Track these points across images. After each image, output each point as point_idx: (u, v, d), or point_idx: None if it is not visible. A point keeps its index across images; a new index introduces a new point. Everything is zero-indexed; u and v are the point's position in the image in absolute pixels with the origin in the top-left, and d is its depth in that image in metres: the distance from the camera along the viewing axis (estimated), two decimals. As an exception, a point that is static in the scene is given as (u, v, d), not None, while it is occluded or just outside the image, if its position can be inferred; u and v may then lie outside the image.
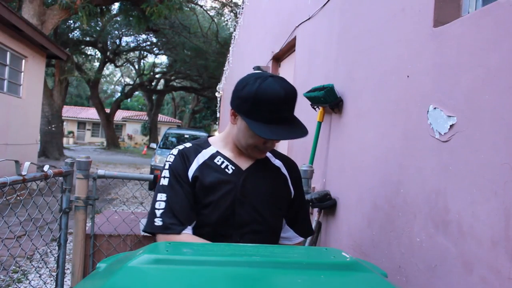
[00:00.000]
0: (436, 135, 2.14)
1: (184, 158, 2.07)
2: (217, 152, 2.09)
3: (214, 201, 1.97)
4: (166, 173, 2.04)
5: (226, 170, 2.04)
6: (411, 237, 2.31)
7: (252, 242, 1.94)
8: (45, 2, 17.43)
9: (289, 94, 1.91)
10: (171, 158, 2.08)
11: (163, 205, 1.96)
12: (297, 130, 1.97)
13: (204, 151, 2.10)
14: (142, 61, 45.93)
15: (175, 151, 2.11)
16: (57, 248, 3.33)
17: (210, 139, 2.19)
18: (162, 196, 1.98)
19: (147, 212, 4.04)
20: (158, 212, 1.95)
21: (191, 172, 2.03)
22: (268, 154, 2.20)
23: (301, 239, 2.25)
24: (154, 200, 2.00)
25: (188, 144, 2.16)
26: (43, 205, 3.12)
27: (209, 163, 2.04)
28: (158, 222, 1.93)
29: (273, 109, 1.88)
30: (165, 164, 2.08)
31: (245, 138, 2.00)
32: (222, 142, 2.14)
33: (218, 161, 2.06)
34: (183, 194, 1.98)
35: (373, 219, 2.82)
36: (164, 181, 2.02)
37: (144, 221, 3.77)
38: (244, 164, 2.09)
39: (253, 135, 1.96)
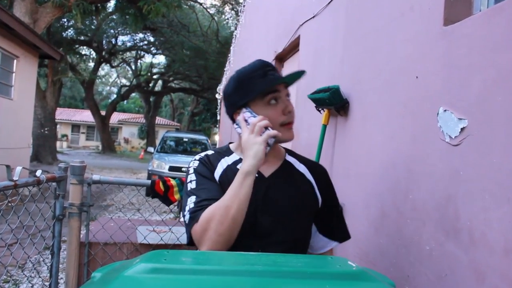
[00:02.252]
0: (446, 138, 2.14)
1: (208, 163, 2.09)
2: (240, 158, 2.07)
3: None
4: (192, 176, 2.03)
5: None
6: (420, 245, 2.31)
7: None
8: (38, 0, 17.44)
9: (265, 61, 2.11)
10: (195, 164, 2.09)
11: (193, 202, 1.93)
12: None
13: (227, 157, 2.12)
14: (139, 61, 46.09)
15: (197, 157, 2.14)
16: (50, 256, 3.34)
17: (232, 146, 2.21)
18: (191, 199, 1.94)
19: (144, 219, 4.05)
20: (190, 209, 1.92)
21: (216, 175, 2.04)
22: (292, 160, 2.20)
23: (334, 244, 2.22)
24: (184, 207, 1.97)
25: (209, 152, 2.19)
26: (36, 211, 3.12)
27: (233, 168, 2.03)
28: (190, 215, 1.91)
29: (261, 73, 2.02)
30: (188, 170, 2.09)
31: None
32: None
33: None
34: (215, 186, 1.98)
35: (380, 226, 2.82)
36: (192, 184, 2.00)
37: (141, 228, 3.77)
38: (267, 171, 2.09)
39: (265, 111, 2.00)
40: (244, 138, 1.92)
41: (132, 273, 1.26)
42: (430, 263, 2.21)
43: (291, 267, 1.42)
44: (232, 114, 2.10)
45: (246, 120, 1.98)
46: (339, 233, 2.25)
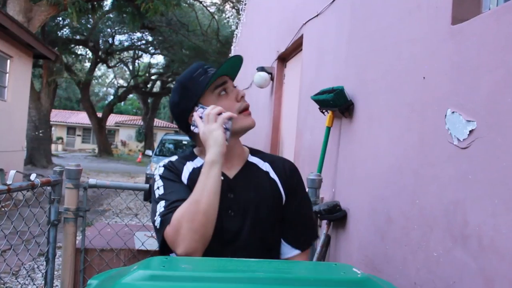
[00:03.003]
0: (455, 141, 2.14)
1: (174, 167, 2.10)
2: None
3: None
4: (158, 183, 2.03)
5: None
6: (428, 252, 2.30)
7: (247, 258, 1.93)
8: (32, -2, 17.47)
9: (201, 62, 2.21)
10: (160, 170, 2.09)
11: (163, 207, 1.91)
12: None
13: (191, 162, 2.14)
14: (136, 61, 46.11)
15: (161, 164, 2.15)
16: (45, 263, 3.34)
17: (195, 150, 2.22)
18: (161, 204, 1.92)
19: (142, 224, 4.05)
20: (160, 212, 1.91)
21: (184, 179, 2.05)
22: (255, 159, 2.19)
23: (296, 252, 2.11)
24: (154, 214, 1.95)
25: (173, 158, 2.20)
26: (30, 217, 3.13)
27: (198, 172, 1.99)
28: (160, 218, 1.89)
29: (201, 71, 2.09)
30: (154, 178, 2.08)
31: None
32: None
33: None
34: (183, 188, 1.98)
35: (386, 232, 2.82)
36: (159, 190, 2.00)
37: (138, 234, 3.77)
38: (231, 173, 2.09)
39: (218, 101, 2.06)
40: (201, 131, 1.95)
41: (130, 280, 1.26)
42: (437, 270, 2.21)
43: (294, 273, 1.42)
44: (186, 121, 2.12)
45: (201, 117, 2.00)
46: (298, 237, 2.13)
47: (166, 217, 1.85)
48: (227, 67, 2.10)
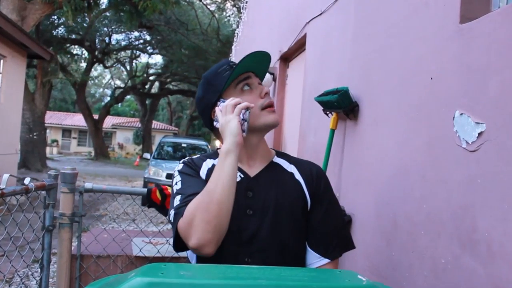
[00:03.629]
0: (463, 144, 2.14)
1: (192, 163, 2.13)
2: None
3: None
4: (177, 178, 2.06)
5: None
6: (435, 258, 2.30)
7: (263, 262, 1.91)
8: (26, -4, 17.49)
9: (228, 59, 2.22)
10: (179, 166, 2.13)
11: (179, 200, 1.94)
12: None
13: (212, 159, 2.16)
14: (134, 61, 46.13)
15: (181, 161, 2.17)
16: (39, 270, 3.34)
17: (220, 150, 2.22)
18: (177, 198, 1.95)
19: (139, 230, 4.05)
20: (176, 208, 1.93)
21: (202, 175, 2.08)
22: (281, 160, 2.19)
23: (325, 261, 2.07)
24: (170, 208, 1.98)
25: (195, 156, 2.23)
26: (24, 222, 3.13)
27: None
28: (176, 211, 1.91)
29: (226, 67, 2.11)
30: (174, 174, 2.12)
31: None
32: None
33: None
34: (201, 182, 1.98)
35: (392, 237, 2.82)
36: (177, 186, 2.02)
37: (136, 240, 3.78)
38: (252, 171, 2.10)
39: (240, 97, 2.04)
40: (220, 123, 1.98)
41: None
42: (445, 277, 2.21)
43: (296, 281, 1.42)
44: (210, 116, 2.15)
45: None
46: (326, 246, 2.10)
47: (180, 210, 1.87)
48: (250, 62, 2.09)
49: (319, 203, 2.12)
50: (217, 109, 2.04)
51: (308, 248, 2.10)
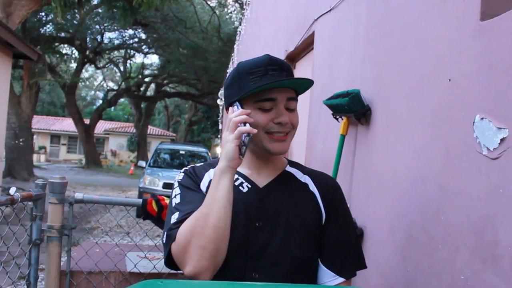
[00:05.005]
0: (484, 151, 2.14)
1: (194, 174, 2.13)
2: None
3: None
4: (176, 190, 2.07)
5: (241, 188, 2.07)
6: (454, 275, 2.30)
7: (271, 278, 1.92)
8: (12, -9, 17.55)
9: (275, 58, 2.05)
10: (180, 176, 2.14)
11: (175, 219, 1.94)
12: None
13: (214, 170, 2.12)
14: (128, 61, 46.17)
15: (182, 170, 2.18)
16: (25, 287, 3.34)
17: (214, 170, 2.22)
18: (174, 216, 1.95)
19: (134, 244, 4.05)
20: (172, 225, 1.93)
21: (203, 187, 2.07)
22: (294, 170, 2.20)
23: (340, 280, 2.07)
24: (165, 227, 1.98)
25: (198, 164, 2.23)
26: (9, 235, 3.14)
27: None
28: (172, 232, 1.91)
29: (261, 71, 1.99)
30: (173, 185, 2.13)
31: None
32: None
33: None
34: (200, 198, 1.96)
35: (407, 252, 2.81)
36: (176, 199, 2.03)
37: (130, 254, 3.78)
38: (262, 181, 2.10)
39: (253, 113, 1.99)
40: (223, 136, 1.96)
41: (121, 305, 1.27)
42: (465, 295, 2.20)
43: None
44: (226, 109, 2.13)
45: None
46: (339, 262, 2.10)
47: (172, 231, 1.88)
48: (286, 83, 2.02)
49: (335, 218, 2.13)
50: (230, 109, 2.03)
51: (321, 265, 2.10)
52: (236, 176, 2.08)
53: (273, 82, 1.96)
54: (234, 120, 1.90)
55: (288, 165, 2.23)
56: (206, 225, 1.78)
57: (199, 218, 1.81)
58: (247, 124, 1.90)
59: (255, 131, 1.89)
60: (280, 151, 2.06)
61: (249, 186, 2.05)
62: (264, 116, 2.00)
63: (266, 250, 1.97)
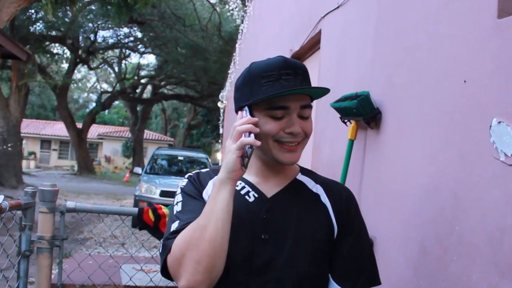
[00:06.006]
0: (501, 156, 2.13)
1: (197, 181, 2.13)
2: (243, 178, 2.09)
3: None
4: (178, 197, 2.07)
5: (247, 197, 2.06)
6: (470, 289, 2.30)
7: None
8: (0, -13, 17.60)
9: (289, 60, 2.01)
10: (183, 183, 2.14)
11: (175, 228, 1.94)
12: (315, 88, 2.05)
13: None
14: (123, 62, 46.21)
15: (186, 176, 2.18)
16: (14, 302, 3.34)
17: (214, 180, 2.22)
18: (174, 225, 1.94)
19: (129, 255, 4.05)
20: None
21: (205, 195, 2.06)
22: (305, 179, 2.19)
23: None
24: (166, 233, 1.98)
25: (204, 170, 2.24)
26: (-3, 246, 3.14)
27: None
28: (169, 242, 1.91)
29: (275, 76, 1.95)
30: (176, 192, 2.13)
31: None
32: None
33: (237, 186, 2.05)
34: (201, 207, 1.94)
35: (420, 264, 2.81)
36: (177, 207, 2.03)
37: (126, 267, 3.78)
38: (270, 191, 2.09)
39: (263, 121, 1.97)
40: (226, 144, 1.95)
41: (116, 321, 1.27)
42: (482, 310, 2.20)
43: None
44: (236, 112, 2.10)
45: None
46: (352, 278, 2.09)
47: (168, 242, 1.89)
48: (299, 91, 1.99)
49: (348, 232, 2.12)
50: (239, 113, 2.02)
51: (332, 281, 2.09)
52: (243, 184, 2.09)
53: (285, 91, 1.92)
54: (238, 129, 1.87)
55: (300, 173, 2.22)
56: (202, 238, 1.78)
57: (195, 230, 1.81)
58: (252, 135, 1.86)
59: (258, 143, 1.85)
60: (290, 162, 2.05)
61: (256, 195, 2.04)
62: (274, 124, 1.97)
63: (271, 265, 1.96)
